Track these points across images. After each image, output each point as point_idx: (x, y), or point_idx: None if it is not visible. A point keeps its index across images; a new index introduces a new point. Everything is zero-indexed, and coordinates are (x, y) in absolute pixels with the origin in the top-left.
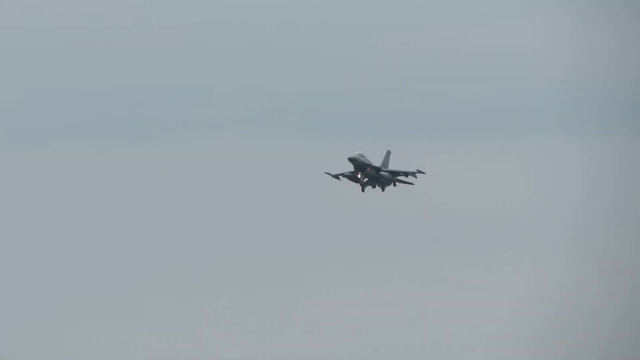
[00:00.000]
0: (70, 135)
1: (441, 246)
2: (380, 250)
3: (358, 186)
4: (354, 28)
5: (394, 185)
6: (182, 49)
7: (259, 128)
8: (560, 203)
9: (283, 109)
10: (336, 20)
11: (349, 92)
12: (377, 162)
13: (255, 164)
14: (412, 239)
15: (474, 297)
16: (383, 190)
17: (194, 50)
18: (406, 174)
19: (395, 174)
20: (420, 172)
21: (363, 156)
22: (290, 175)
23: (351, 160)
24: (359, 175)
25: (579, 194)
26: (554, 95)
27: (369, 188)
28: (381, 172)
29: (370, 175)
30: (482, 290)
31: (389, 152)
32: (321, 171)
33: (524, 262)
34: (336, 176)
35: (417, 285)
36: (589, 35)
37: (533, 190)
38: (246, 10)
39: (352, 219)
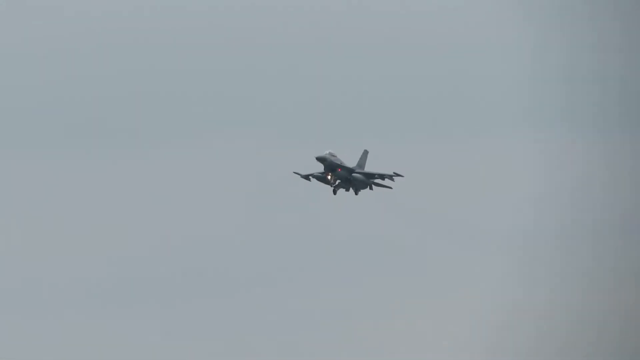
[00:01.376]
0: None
1: (415, 254)
2: (346, 258)
3: (330, 188)
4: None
5: (370, 188)
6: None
7: (222, 125)
8: (551, 204)
9: (248, 103)
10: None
11: (322, 86)
12: (351, 162)
13: (216, 160)
14: (384, 246)
15: (460, 307)
16: (357, 193)
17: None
18: (382, 176)
19: (370, 176)
20: (397, 175)
21: (334, 156)
22: (257, 175)
23: (319, 159)
24: (329, 177)
25: (567, 194)
26: (543, 91)
27: (342, 191)
28: (354, 174)
29: (341, 176)
30: (467, 300)
31: (366, 152)
32: (289, 171)
33: (509, 266)
34: (306, 176)
35: (394, 296)
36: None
37: (520, 191)
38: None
39: (320, 223)
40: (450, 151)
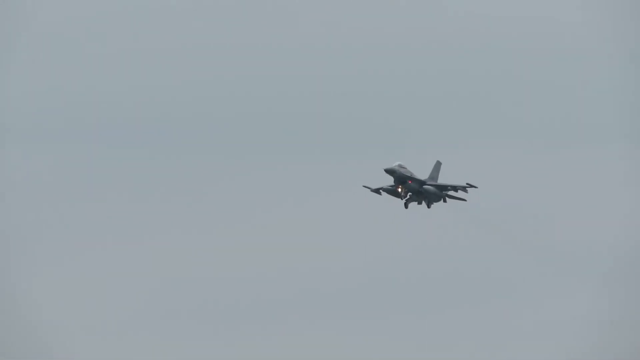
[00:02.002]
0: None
1: (493, 273)
2: (420, 274)
3: (401, 202)
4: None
5: (444, 201)
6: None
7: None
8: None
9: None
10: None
11: (391, 95)
12: (422, 174)
13: (285, 176)
14: (459, 262)
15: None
16: (429, 207)
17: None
18: (455, 188)
19: (442, 188)
20: (471, 186)
21: (403, 167)
22: (325, 190)
23: (388, 171)
24: (400, 190)
25: None
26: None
27: (414, 204)
28: (425, 187)
29: (412, 189)
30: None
31: (439, 163)
32: (359, 185)
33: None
34: (376, 190)
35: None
36: None
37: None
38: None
39: (391, 238)
40: (530, 161)
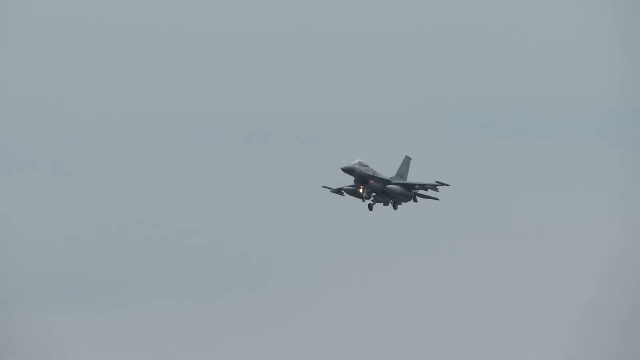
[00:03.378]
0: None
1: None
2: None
3: (365, 203)
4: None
5: (415, 201)
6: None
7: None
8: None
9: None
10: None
11: (352, 89)
12: (390, 171)
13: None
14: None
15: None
16: (395, 208)
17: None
18: (423, 186)
19: (409, 187)
20: (441, 184)
21: (364, 165)
22: (282, 190)
23: (346, 171)
24: (361, 190)
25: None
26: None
27: (380, 205)
28: (389, 186)
29: (375, 189)
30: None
31: (407, 159)
32: (318, 185)
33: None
34: (338, 191)
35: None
36: None
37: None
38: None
39: (354, 242)
40: (498, 157)
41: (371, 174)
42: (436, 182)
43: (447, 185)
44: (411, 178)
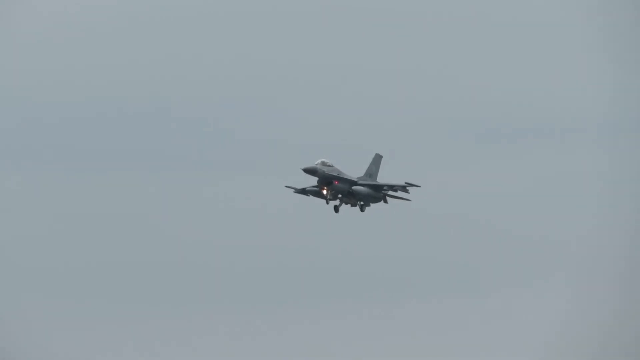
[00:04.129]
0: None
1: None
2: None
3: (330, 205)
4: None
5: (385, 202)
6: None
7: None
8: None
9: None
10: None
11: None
12: (357, 171)
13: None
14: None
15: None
16: (362, 210)
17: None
18: (392, 187)
19: (377, 188)
20: (411, 185)
21: (328, 165)
22: (244, 191)
23: (308, 171)
24: (325, 191)
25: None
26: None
27: (347, 207)
28: (355, 187)
29: (340, 190)
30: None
31: (378, 157)
32: (281, 185)
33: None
34: (302, 191)
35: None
36: None
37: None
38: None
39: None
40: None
41: (335, 174)
42: (406, 182)
43: (417, 186)
44: (382, 178)
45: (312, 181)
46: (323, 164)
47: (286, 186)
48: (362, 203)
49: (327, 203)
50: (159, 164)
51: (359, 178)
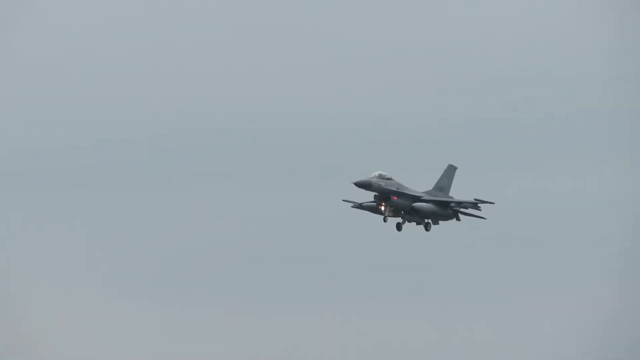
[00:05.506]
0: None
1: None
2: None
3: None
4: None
5: (457, 219)
6: None
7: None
8: None
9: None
10: None
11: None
12: (425, 185)
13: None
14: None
15: None
16: (427, 229)
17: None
18: (460, 204)
19: (442, 204)
20: (481, 201)
21: (386, 178)
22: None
23: (361, 185)
24: (382, 207)
25: None
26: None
27: (411, 225)
28: (415, 204)
29: (399, 206)
30: None
31: (452, 168)
32: (338, 199)
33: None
34: (360, 205)
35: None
36: None
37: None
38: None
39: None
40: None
41: (394, 188)
42: (475, 199)
43: (491, 203)
44: (455, 192)
45: (369, 196)
46: (380, 176)
47: (343, 200)
48: (427, 221)
49: (385, 221)
50: (214, 179)
51: (427, 192)
